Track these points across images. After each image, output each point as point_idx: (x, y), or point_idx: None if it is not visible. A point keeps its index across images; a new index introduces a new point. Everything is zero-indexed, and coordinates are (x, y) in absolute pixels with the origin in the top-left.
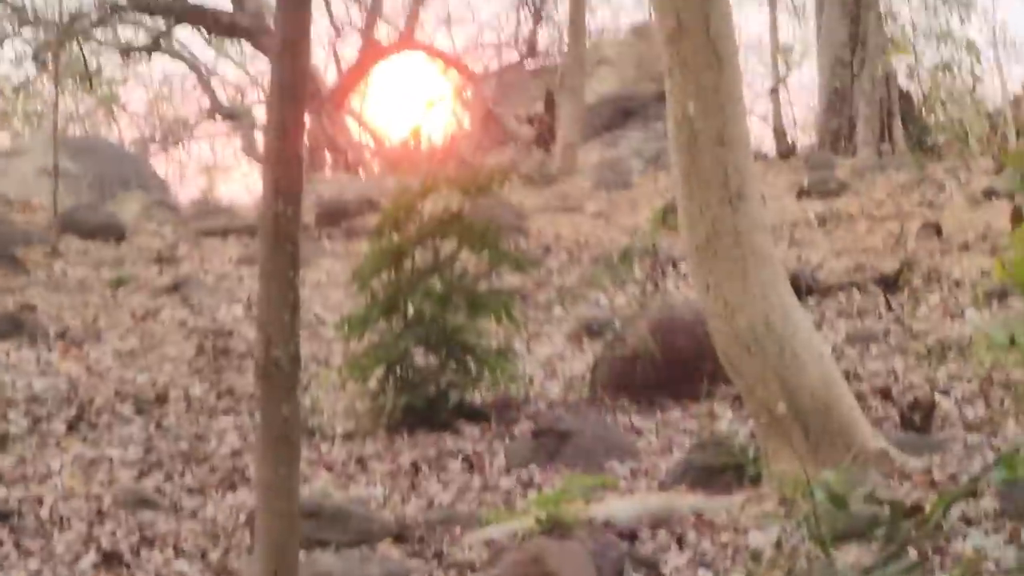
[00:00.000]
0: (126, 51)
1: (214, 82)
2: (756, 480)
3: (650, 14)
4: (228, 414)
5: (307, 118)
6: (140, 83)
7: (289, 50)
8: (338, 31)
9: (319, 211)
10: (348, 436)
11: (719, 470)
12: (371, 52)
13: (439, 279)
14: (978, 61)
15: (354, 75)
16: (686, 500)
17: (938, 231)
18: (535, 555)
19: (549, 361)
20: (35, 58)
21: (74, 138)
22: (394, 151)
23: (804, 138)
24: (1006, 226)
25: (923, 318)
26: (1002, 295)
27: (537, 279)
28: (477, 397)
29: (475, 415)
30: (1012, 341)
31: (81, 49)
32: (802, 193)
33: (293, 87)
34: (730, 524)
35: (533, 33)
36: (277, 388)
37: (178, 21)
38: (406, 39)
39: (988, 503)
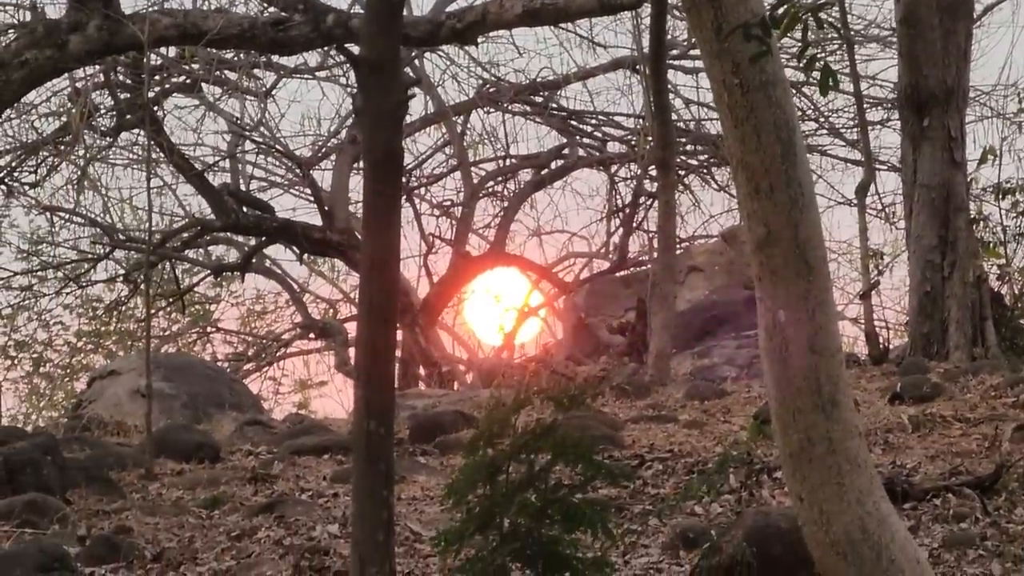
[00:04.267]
0: (217, 270)
1: (306, 299)
2: None
3: (740, 221)
4: None
5: (399, 334)
6: (232, 301)
7: (377, 269)
8: (429, 245)
9: (412, 426)
10: None
11: None
12: (462, 266)
13: (534, 492)
14: None
15: (446, 289)
16: None
17: None
18: None
19: (645, 572)
20: (126, 279)
21: (167, 358)
22: (487, 363)
23: (896, 342)
24: None
25: (1020, 521)
26: None
27: (632, 490)
28: None
29: None
30: None
31: (173, 269)
32: (895, 398)
33: (382, 306)
34: None
35: (624, 242)
36: None
37: (268, 239)
38: (497, 252)
39: None
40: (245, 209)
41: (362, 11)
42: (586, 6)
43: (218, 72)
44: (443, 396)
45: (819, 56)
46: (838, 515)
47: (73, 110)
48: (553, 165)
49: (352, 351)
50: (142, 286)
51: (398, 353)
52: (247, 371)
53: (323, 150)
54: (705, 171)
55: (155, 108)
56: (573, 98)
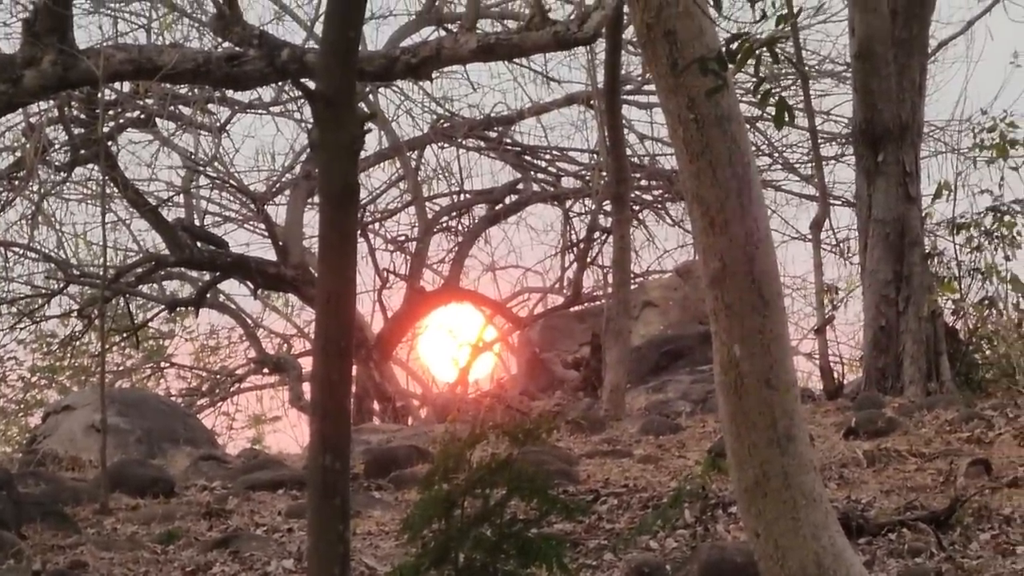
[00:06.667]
0: (172, 305)
1: (260, 334)
2: None
3: (694, 256)
4: None
5: (354, 369)
6: (186, 336)
7: (333, 303)
8: (383, 280)
9: (367, 460)
10: None
11: None
12: (416, 301)
13: (489, 527)
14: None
15: (400, 324)
16: None
17: (988, 468)
18: None
19: None
20: (81, 314)
21: (122, 393)
22: (442, 398)
23: (851, 376)
24: None
25: (975, 556)
26: None
27: (587, 524)
28: None
29: None
30: None
31: (127, 304)
32: (850, 432)
33: (338, 340)
34: None
35: (578, 277)
36: None
37: (223, 274)
38: (451, 287)
39: None
40: (199, 244)
41: (317, 46)
42: (540, 41)
43: (172, 107)
44: (397, 431)
45: (774, 90)
46: (793, 550)
47: (27, 145)
48: (507, 200)
49: (306, 386)
50: (96, 321)
51: (353, 388)
52: (201, 406)
53: (277, 185)
54: (660, 206)
55: (109, 143)
56: (527, 133)
